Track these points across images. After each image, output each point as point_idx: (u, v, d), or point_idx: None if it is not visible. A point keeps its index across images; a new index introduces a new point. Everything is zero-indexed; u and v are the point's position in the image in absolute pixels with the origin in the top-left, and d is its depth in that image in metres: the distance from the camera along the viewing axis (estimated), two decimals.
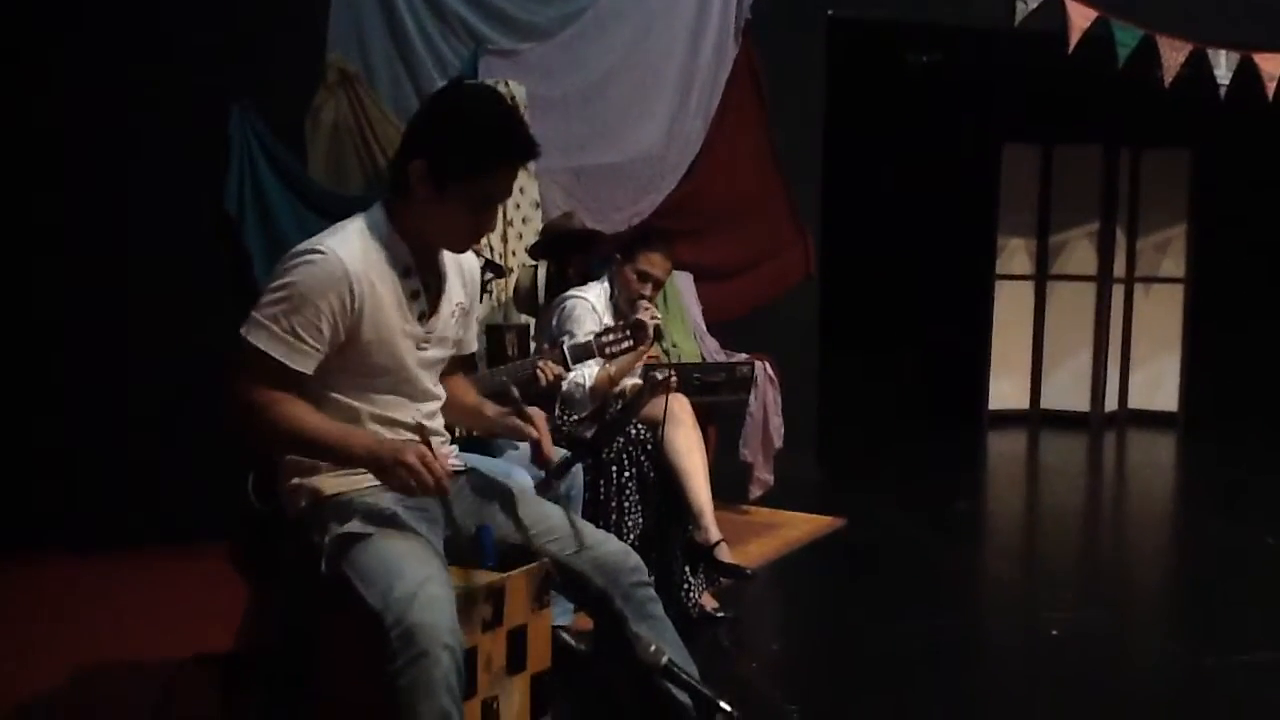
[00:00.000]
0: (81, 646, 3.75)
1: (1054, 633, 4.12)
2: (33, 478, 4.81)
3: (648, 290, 4.24)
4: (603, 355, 3.74)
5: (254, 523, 2.64)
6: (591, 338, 3.74)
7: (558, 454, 3.59)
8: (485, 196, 2.43)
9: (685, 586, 3.93)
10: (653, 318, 4.09)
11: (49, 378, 4.88)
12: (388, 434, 2.46)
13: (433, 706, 2.15)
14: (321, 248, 2.33)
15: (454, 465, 2.65)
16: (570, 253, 4.67)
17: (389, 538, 2.35)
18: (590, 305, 4.17)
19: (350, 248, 2.36)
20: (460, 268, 2.61)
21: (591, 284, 4.34)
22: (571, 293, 4.25)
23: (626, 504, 3.86)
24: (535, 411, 2.66)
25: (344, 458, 2.37)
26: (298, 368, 2.33)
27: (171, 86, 4.88)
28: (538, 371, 3.66)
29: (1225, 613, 4.42)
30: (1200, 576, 5.04)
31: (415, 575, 2.24)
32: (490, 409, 2.74)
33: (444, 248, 2.54)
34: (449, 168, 2.36)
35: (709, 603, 4.04)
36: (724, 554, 4.03)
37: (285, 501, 2.51)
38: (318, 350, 2.33)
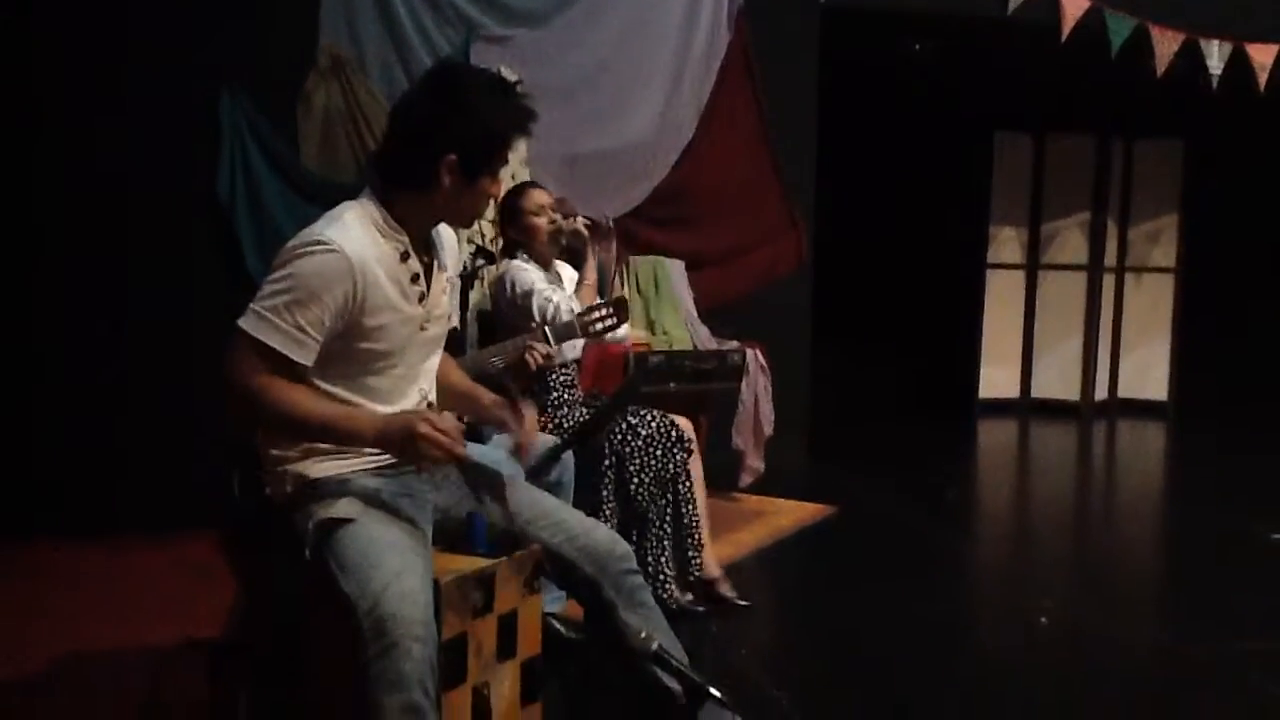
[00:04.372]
0: (71, 632, 3.74)
1: (1044, 620, 4.13)
2: (22, 464, 4.80)
3: (555, 216, 4.21)
4: (586, 334, 3.74)
5: (242, 511, 2.64)
6: (574, 318, 3.73)
7: (541, 442, 3.61)
8: (500, 169, 2.50)
9: (661, 578, 3.92)
10: (582, 223, 4.27)
11: (40, 365, 4.87)
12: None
13: (402, 699, 2.15)
14: (324, 239, 2.32)
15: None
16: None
17: (372, 524, 2.35)
18: (523, 266, 4.12)
19: (351, 238, 2.35)
20: (443, 240, 2.62)
21: (511, 259, 4.23)
22: (506, 264, 4.17)
23: (605, 493, 3.85)
24: (528, 410, 2.67)
25: (351, 439, 2.37)
26: (301, 360, 2.32)
27: (163, 71, 4.86)
28: (527, 356, 3.65)
29: (1216, 601, 4.44)
30: (1191, 565, 5.06)
31: (392, 566, 2.24)
32: (485, 396, 2.74)
33: (460, 224, 2.60)
34: (480, 158, 2.42)
35: (686, 596, 4.04)
36: (724, 589, 4.11)
37: (271, 487, 2.50)
38: (319, 342, 2.33)
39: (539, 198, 4.23)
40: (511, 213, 4.22)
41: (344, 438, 2.37)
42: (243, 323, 2.30)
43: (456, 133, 2.40)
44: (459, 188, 2.42)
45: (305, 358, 2.32)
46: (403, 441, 2.30)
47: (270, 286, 2.31)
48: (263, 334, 2.28)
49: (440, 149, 2.39)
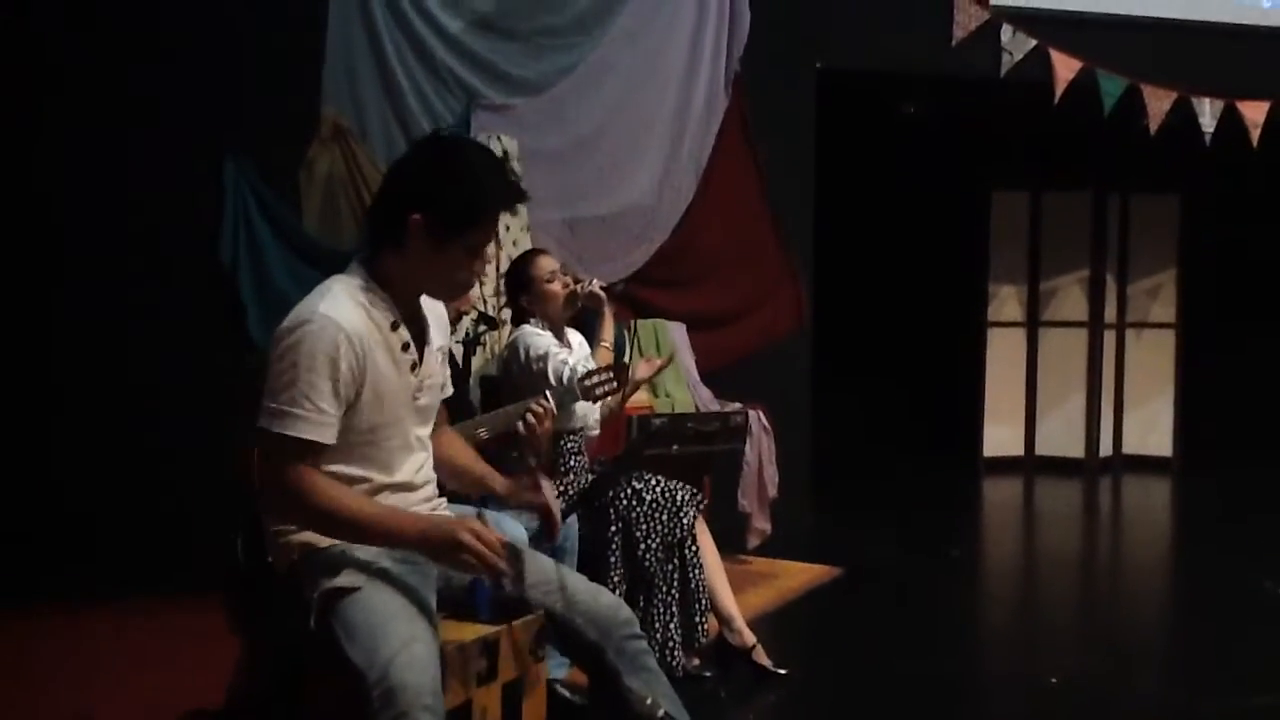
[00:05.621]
0: (72, 700, 3.71)
1: (1053, 680, 4.10)
2: (27, 529, 4.77)
3: (566, 279, 4.23)
4: (588, 398, 3.74)
5: (245, 577, 2.63)
6: (575, 382, 3.72)
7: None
8: (479, 245, 2.45)
9: (670, 644, 3.88)
10: (598, 285, 4.27)
11: (45, 428, 4.88)
12: (394, 500, 2.46)
13: None
14: (314, 316, 2.32)
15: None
16: None
17: (377, 593, 2.33)
18: (535, 331, 4.12)
19: (342, 309, 2.35)
20: (432, 310, 2.62)
21: (522, 325, 4.22)
22: (517, 332, 4.15)
23: (613, 560, 3.83)
24: (547, 485, 2.67)
25: (392, 540, 2.36)
26: (326, 441, 2.32)
27: (167, 137, 4.90)
28: (529, 415, 3.57)
29: (1224, 657, 4.40)
30: (1198, 621, 5.02)
31: (400, 634, 2.23)
32: (499, 483, 2.72)
33: (440, 297, 2.58)
34: (448, 221, 2.37)
35: (693, 661, 4.00)
36: (760, 657, 4.03)
37: (275, 555, 2.49)
38: (337, 417, 2.33)
39: (549, 264, 4.23)
40: (523, 281, 4.19)
41: (385, 538, 2.36)
42: (264, 423, 2.29)
43: (424, 193, 2.38)
44: (427, 250, 2.39)
45: (329, 437, 2.32)
46: (445, 548, 2.30)
47: (277, 380, 2.30)
48: (286, 428, 2.28)
49: (406, 207, 2.38)
